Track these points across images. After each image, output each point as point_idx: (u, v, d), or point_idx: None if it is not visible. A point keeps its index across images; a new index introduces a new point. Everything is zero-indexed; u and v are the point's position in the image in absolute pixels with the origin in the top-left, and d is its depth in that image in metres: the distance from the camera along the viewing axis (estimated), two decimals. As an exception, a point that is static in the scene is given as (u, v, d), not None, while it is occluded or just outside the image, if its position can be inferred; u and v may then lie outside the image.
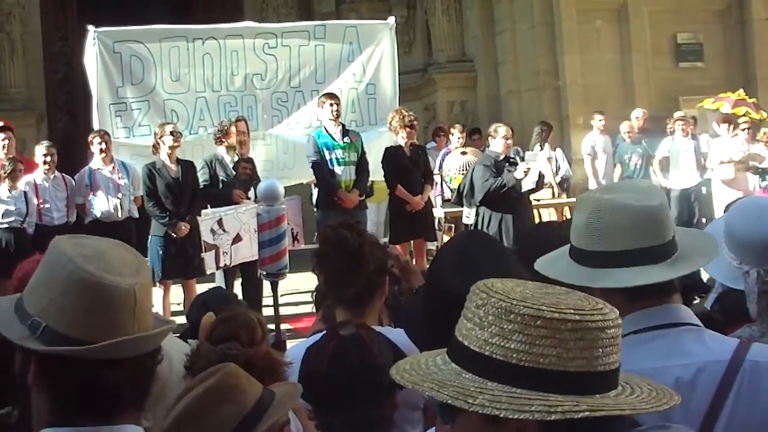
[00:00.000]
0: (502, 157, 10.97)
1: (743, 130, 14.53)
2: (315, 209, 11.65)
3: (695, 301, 4.33)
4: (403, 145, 11.45)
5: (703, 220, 14.69)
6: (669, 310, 2.44)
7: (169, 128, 10.56)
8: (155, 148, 10.52)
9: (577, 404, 1.61)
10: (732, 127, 14.78)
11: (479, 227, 10.81)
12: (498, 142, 11.09)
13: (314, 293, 4.84)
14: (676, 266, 2.45)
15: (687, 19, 17.63)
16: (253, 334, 3.32)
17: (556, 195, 14.57)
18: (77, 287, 1.88)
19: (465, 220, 11.75)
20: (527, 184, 10.81)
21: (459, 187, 11.64)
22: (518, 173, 10.69)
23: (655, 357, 2.34)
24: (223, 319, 3.39)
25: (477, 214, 11.00)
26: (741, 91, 15.45)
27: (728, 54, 17.79)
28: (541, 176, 11.28)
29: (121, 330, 1.90)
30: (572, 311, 1.64)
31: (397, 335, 3.62)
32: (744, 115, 15.12)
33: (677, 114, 15.38)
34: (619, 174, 15.22)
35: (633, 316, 2.39)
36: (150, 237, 10.40)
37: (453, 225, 13.32)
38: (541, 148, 14.72)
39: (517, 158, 11.25)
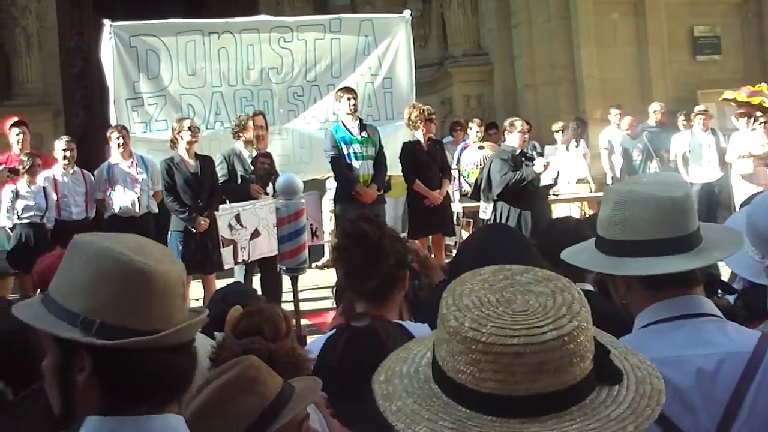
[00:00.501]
0: (518, 151, 10.97)
1: (761, 123, 14.45)
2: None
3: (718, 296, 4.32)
4: (421, 139, 11.44)
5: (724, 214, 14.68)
6: (691, 300, 2.45)
7: (186, 123, 10.55)
8: (173, 143, 10.52)
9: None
10: (751, 120, 14.71)
11: (498, 221, 10.81)
12: (514, 136, 11.07)
13: (334, 288, 4.79)
14: (699, 257, 2.46)
15: (704, 11, 17.60)
16: (277, 329, 3.32)
17: (592, 190, 14.52)
18: (134, 278, 1.88)
19: (482, 215, 11.73)
20: (546, 179, 10.78)
21: (476, 181, 11.63)
22: (538, 167, 10.67)
23: (678, 346, 2.35)
24: (248, 313, 3.39)
25: (494, 209, 10.99)
26: (764, 85, 15.33)
27: (746, 47, 17.76)
28: (558, 172, 11.26)
29: (175, 316, 1.92)
30: (491, 330, 1.54)
31: (421, 330, 3.56)
32: (759, 104, 15.04)
33: (697, 108, 15.32)
34: (621, 168, 15.18)
35: (656, 306, 2.43)
36: (170, 232, 10.40)
37: (471, 220, 13.30)
38: (577, 144, 14.75)
39: (534, 153, 11.22)
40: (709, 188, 14.92)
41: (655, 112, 15.60)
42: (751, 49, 17.72)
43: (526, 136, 11.23)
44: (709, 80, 16.80)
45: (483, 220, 11.56)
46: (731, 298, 4.13)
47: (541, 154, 11.40)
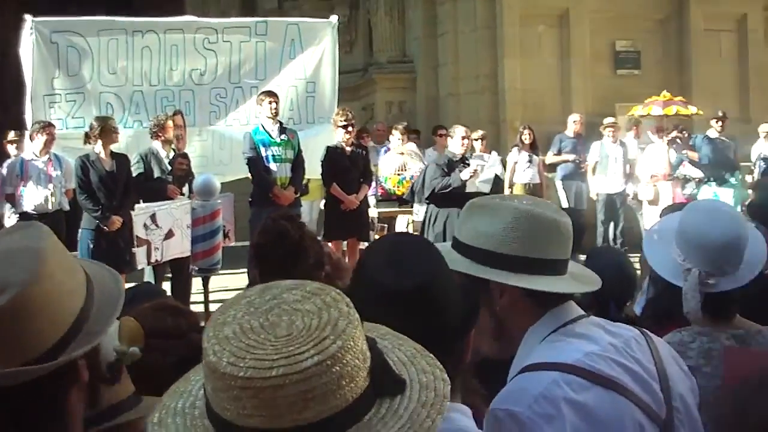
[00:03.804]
0: (458, 157, 11.08)
1: (672, 139, 14.78)
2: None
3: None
4: (343, 144, 11.45)
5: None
6: (573, 305, 2.50)
7: (108, 122, 10.43)
8: (88, 138, 10.36)
9: None
10: (664, 135, 15.01)
11: (427, 224, 11.08)
12: (455, 142, 11.26)
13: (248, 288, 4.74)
14: (580, 282, 2.57)
15: (626, 27, 17.87)
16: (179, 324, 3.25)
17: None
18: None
19: (414, 218, 11.87)
20: (476, 186, 10.84)
21: (413, 184, 11.83)
22: (464, 174, 10.80)
23: (596, 341, 2.39)
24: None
25: (426, 212, 11.20)
26: (665, 92, 15.64)
27: (665, 63, 18.05)
28: (498, 180, 11.31)
29: None
30: (250, 363, 1.42)
31: None
32: (675, 114, 15.31)
33: (606, 120, 15.58)
34: None
35: (549, 316, 2.44)
36: (81, 230, 10.26)
37: (386, 225, 13.32)
38: (519, 152, 14.92)
39: (472, 160, 11.26)
40: (611, 199, 15.29)
41: (574, 122, 15.80)
42: (670, 65, 18.02)
43: (467, 142, 11.38)
44: (629, 94, 16.99)
45: (412, 222, 11.71)
46: (638, 309, 4.21)
47: (466, 162, 11.36)
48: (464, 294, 2.17)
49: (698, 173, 14.73)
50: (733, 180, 14.80)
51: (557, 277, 2.45)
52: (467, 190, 10.80)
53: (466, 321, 2.14)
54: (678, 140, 14.87)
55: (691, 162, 14.82)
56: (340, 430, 1.46)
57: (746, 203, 8.94)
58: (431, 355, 1.68)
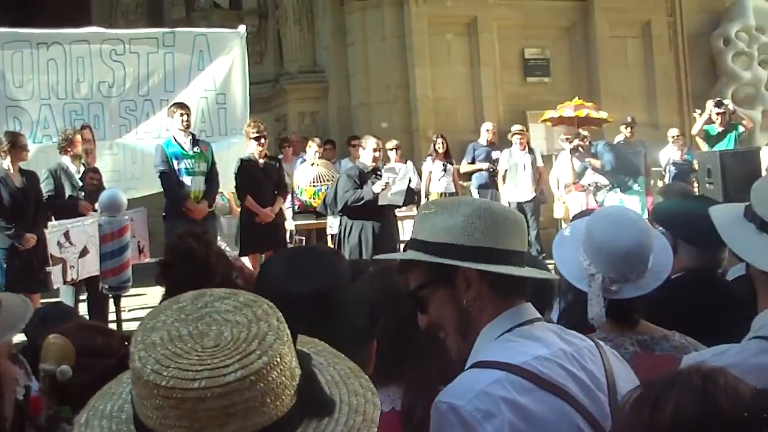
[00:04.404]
0: (369, 168, 11.07)
1: (574, 148, 14.99)
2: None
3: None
4: (256, 156, 11.40)
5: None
6: (528, 308, 2.53)
7: (18, 138, 10.24)
8: None
9: None
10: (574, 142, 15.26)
11: (342, 236, 11.00)
12: (367, 153, 11.20)
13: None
14: (537, 271, 2.66)
15: (535, 34, 18.11)
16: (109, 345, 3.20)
17: None
18: None
19: (329, 230, 11.83)
20: (389, 198, 10.84)
21: (325, 197, 11.73)
22: (377, 187, 10.77)
23: (539, 347, 2.42)
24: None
25: (340, 224, 11.14)
26: (576, 99, 15.96)
27: (574, 69, 18.34)
28: (410, 191, 11.31)
29: None
30: (173, 373, 1.41)
31: None
32: (586, 117, 15.58)
33: (514, 127, 15.73)
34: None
35: (508, 314, 2.48)
36: (-7, 249, 10.04)
37: (304, 237, 13.31)
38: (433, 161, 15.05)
39: (384, 172, 11.25)
40: (521, 207, 15.26)
41: (487, 131, 15.96)
42: (578, 71, 18.30)
43: (378, 154, 11.29)
44: (539, 101, 17.24)
45: (332, 235, 11.69)
46: (554, 316, 4.28)
47: (378, 174, 11.35)
48: (368, 304, 2.21)
49: (604, 180, 14.96)
50: (636, 186, 15.06)
51: (519, 267, 2.49)
52: (380, 203, 10.82)
53: (369, 329, 2.17)
54: (580, 148, 15.05)
55: (594, 169, 15.02)
56: None
57: (652, 208, 9.11)
58: (366, 376, 1.68)
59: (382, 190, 10.78)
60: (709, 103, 14.83)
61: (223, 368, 1.41)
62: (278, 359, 1.46)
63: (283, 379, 1.47)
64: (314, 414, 1.53)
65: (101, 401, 1.62)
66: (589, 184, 14.86)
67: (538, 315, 2.55)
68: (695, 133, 14.76)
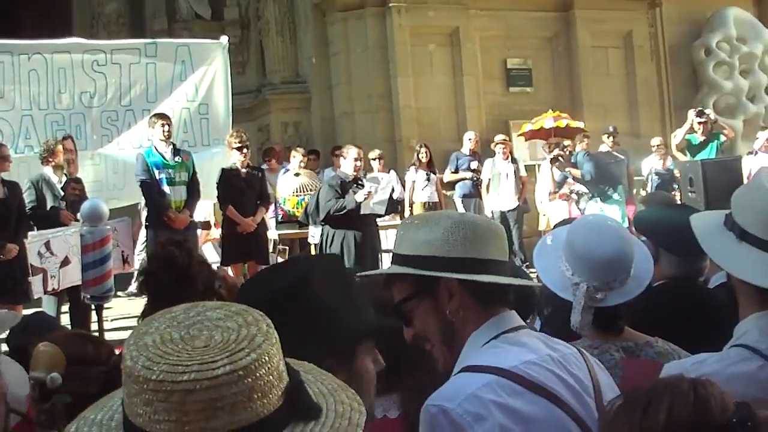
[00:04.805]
0: (351, 178, 11.07)
1: (554, 158, 15.06)
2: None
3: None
4: (238, 166, 11.39)
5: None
6: (512, 316, 2.56)
7: (0, 149, 10.19)
8: None
9: None
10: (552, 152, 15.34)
11: (324, 245, 10.99)
12: (348, 163, 11.20)
13: (140, 317, 4.64)
14: (519, 279, 2.70)
15: (517, 44, 18.16)
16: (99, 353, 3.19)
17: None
18: None
19: (311, 240, 11.83)
20: (371, 207, 10.84)
21: (306, 207, 11.71)
22: (359, 197, 10.76)
23: (527, 353, 2.44)
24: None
25: (322, 234, 11.12)
26: (550, 110, 16.08)
27: (556, 79, 18.40)
28: (392, 201, 11.31)
29: None
30: (163, 368, 1.44)
31: None
32: (566, 127, 15.64)
33: (497, 137, 15.79)
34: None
35: (492, 322, 2.50)
36: (-26, 259, 9.97)
37: (288, 247, 13.29)
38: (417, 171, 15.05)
39: (367, 181, 11.25)
40: (504, 216, 15.41)
41: (469, 140, 15.99)
42: (560, 81, 18.36)
43: (359, 163, 11.27)
44: (521, 111, 17.30)
45: (312, 245, 11.66)
46: (537, 325, 4.29)
47: (360, 183, 11.35)
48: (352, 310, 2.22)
49: (584, 189, 15.01)
50: (616, 196, 15.09)
51: (500, 276, 2.51)
52: (362, 212, 10.83)
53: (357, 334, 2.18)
54: (560, 158, 15.11)
55: (575, 179, 15.07)
56: None
57: (632, 217, 9.16)
58: (353, 390, 1.71)
59: (365, 199, 10.78)
60: (691, 113, 14.88)
61: (211, 363, 1.44)
62: (266, 358, 1.49)
63: (271, 378, 1.50)
64: (301, 417, 1.56)
65: (92, 412, 1.65)
66: (571, 191, 14.90)
67: (523, 323, 2.57)
68: (677, 143, 14.80)
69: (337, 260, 2.71)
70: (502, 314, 2.51)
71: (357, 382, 2.05)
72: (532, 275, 4.54)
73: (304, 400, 1.58)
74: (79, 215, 10.07)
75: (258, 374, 1.47)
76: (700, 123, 14.50)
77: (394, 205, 11.40)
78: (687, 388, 1.77)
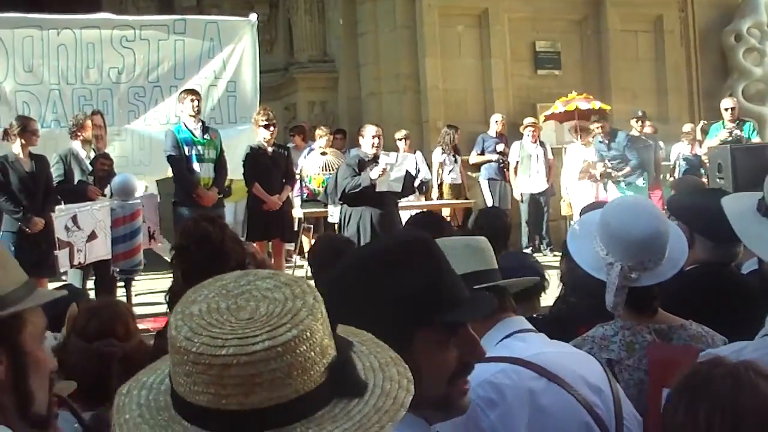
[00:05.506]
0: (370, 156, 11.04)
1: (593, 138, 14.95)
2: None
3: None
4: (265, 144, 11.39)
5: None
6: (521, 319, 2.64)
7: (30, 123, 10.22)
8: (6, 135, 10.13)
9: None
10: (583, 135, 15.24)
11: (342, 224, 10.99)
12: (366, 141, 11.17)
13: (167, 293, 4.49)
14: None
15: (546, 27, 18.02)
16: (127, 327, 3.23)
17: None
18: None
19: (330, 219, 11.80)
20: (388, 184, 10.81)
21: (326, 186, 11.71)
22: (373, 174, 10.74)
23: (541, 346, 2.53)
24: (94, 313, 3.26)
25: (340, 213, 11.13)
26: (574, 92, 16.01)
27: (584, 63, 18.27)
28: (410, 178, 11.28)
29: None
30: (204, 340, 1.44)
31: None
32: (599, 110, 15.57)
33: (527, 120, 15.77)
34: None
35: (499, 326, 2.57)
36: (1, 233, 10.05)
37: (312, 226, 13.29)
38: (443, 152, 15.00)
39: (381, 158, 11.20)
40: (536, 199, 15.41)
41: (496, 122, 15.93)
42: (589, 65, 18.23)
43: (377, 141, 11.20)
44: (549, 94, 17.18)
45: (331, 224, 11.63)
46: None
47: (376, 162, 11.31)
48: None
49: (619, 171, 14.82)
50: (641, 182, 14.91)
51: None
52: (379, 189, 10.81)
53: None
54: (600, 134, 14.89)
55: (612, 159, 14.89)
56: (291, 420, 1.46)
57: (667, 201, 9.13)
58: (405, 365, 1.66)
59: (380, 176, 10.76)
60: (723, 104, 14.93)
61: (252, 338, 1.43)
62: (308, 334, 1.46)
63: (312, 354, 1.47)
64: (344, 394, 1.52)
65: (146, 374, 1.65)
66: (607, 169, 14.69)
67: (531, 326, 2.63)
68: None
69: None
70: (509, 319, 2.57)
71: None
72: (554, 259, 4.63)
73: (350, 377, 1.55)
74: (108, 189, 10.13)
75: (298, 351, 1.45)
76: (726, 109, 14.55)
77: (411, 184, 11.37)
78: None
